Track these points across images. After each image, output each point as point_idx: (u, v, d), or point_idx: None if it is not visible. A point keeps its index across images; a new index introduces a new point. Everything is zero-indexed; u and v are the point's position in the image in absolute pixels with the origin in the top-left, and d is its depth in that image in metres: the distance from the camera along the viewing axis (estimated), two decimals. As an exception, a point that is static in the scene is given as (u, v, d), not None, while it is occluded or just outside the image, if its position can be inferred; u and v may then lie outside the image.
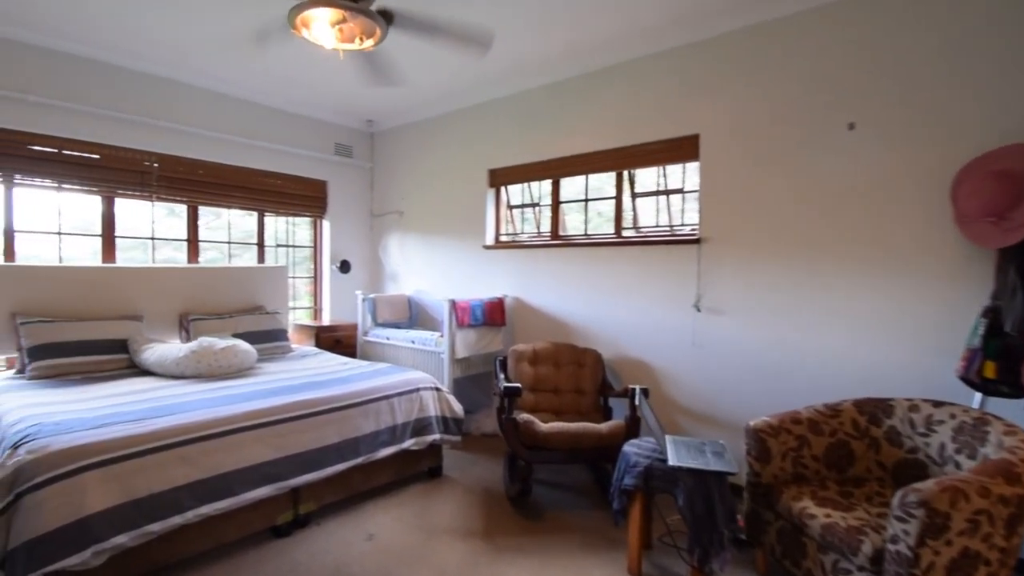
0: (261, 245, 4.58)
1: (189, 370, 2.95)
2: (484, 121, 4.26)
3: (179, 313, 3.72)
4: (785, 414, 2.21)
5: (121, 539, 1.85)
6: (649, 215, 3.54)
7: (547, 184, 3.99)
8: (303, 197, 4.74)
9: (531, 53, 3.43)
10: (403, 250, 4.95)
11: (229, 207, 4.32)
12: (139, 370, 3.09)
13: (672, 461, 2.03)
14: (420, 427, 2.94)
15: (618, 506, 2.21)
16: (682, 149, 3.21)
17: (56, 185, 3.43)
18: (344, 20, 2.15)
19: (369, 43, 2.32)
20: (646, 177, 3.56)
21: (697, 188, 3.16)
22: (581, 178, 3.80)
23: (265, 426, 2.30)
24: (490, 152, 4.21)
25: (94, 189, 3.60)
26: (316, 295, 5.01)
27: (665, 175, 3.44)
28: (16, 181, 3.28)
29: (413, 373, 3.17)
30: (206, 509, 2.07)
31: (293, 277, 4.86)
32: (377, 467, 2.78)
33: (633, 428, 2.73)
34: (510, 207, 4.27)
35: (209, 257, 4.31)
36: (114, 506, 1.85)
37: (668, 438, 2.25)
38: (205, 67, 3.75)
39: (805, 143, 2.73)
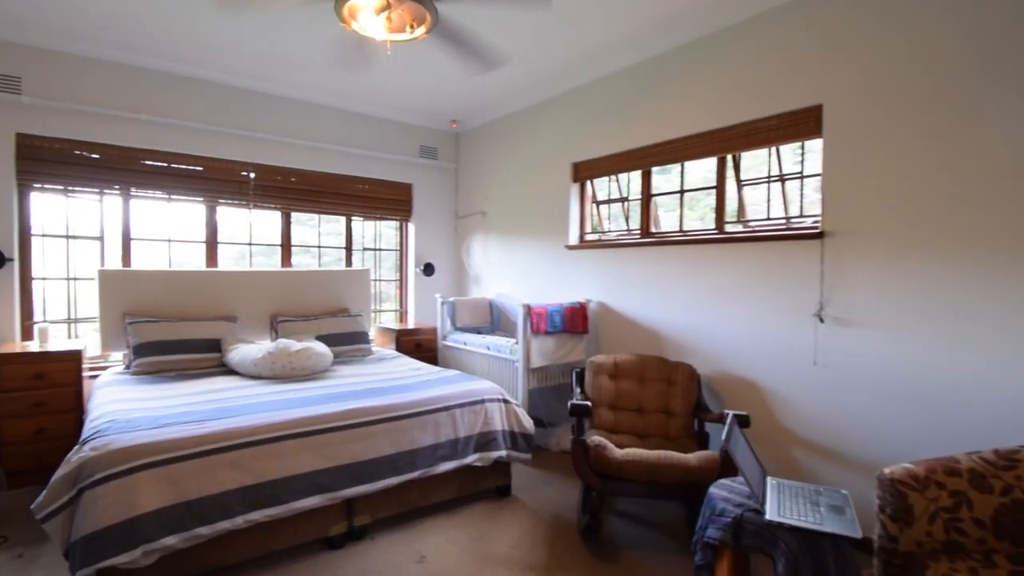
0: (349, 249, 4.76)
1: (265, 371, 3.08)
2: (567, 112, 4.03)
3: (270, 315, 3.95)
4: (936, 461, 1.70)
5: (171, 540, 1.90)
6: (758, 207, 3.06)
7: (636, 176, 3.65)
8: (389, 200, 4.86)
9: (614, 31, 3.13)
10: (486, 252, 4.87)
11: (319, 212, 4.54)
12: (226, 369, 3.30)
13: (770, 515, 1.64)
14: (484, 442, 2.78)
15: (700, 560, 1.85)
16: (799, 124, 2.71)
17: (166, 196, 3.82)
18: (390, 6, 2.06)
19: (421, 31, 2.22)
20: (754, 162, 3.08)
21: (819, 172, 2.65)
22: (676, 167, 3.41)
23: (312, 435, 2.28)
24: (573, 144, 3.96)
25: (199, 199, 3.96)
26: (402, 298, 5.11)
27: (779, 157, 2.95)
28: (132, 194, 3.69)
29: (479, 383, 3.02)
30: (255, 515, 2.08)
31: (378, 280, 5.00)
32: (436, 482, 2.67)
33: (730, 462, 2.32)
34: (596, 203, 3.98)
35: (303, 261, 4.57)
36: (165, 507, 1.91)
37: (772, 482, 1.85)
38: (297, 79, 3.95)
39: (968, 110, 2.14)
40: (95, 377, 3.22)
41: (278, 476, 2.16)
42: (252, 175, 4.12)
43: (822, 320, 2.58)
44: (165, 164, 3.77)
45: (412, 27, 2.18)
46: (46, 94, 3.27)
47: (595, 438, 2.47)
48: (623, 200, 3.78)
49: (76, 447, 1.98)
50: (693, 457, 2.34)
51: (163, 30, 3.19)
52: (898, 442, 2.32)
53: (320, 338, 3.79)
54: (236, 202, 4.09)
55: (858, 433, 2.46)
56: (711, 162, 3.19)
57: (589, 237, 3.98)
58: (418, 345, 4.46)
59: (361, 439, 2.40)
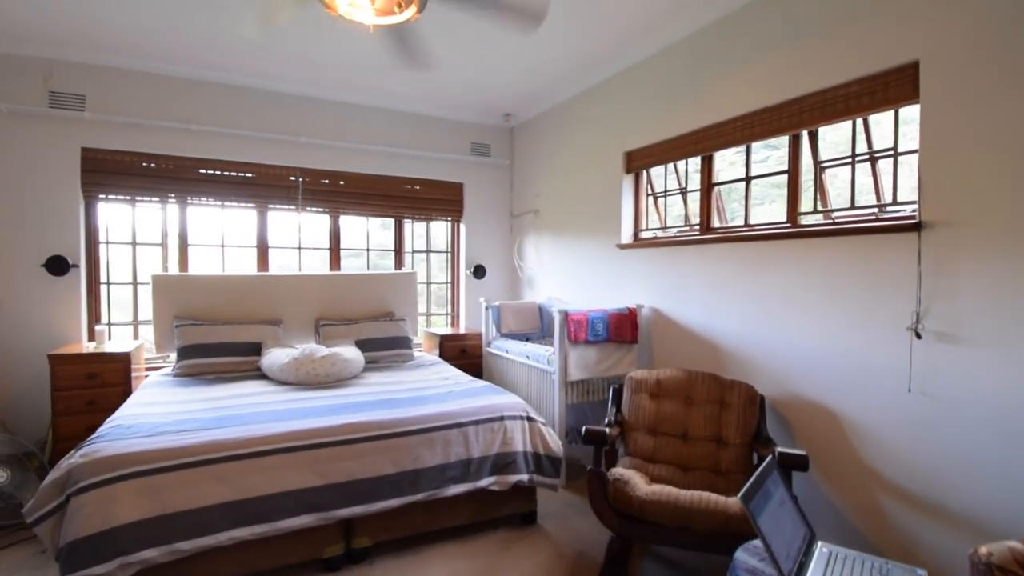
0: (399, 251, 4.75)
1: (290, 377, 3.08)
2: (618, 96, 3.68)
3: (315, 318, 4.01)
4: (1065, 544, 1.22)
5: (150, 554, 1.89)
6: (840, 194, 2.54)
7: (696, 163, 3.22)
8: (439, 201, 4.78)
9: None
10: (538, 253, 4.63)
11: (368, 215, 4.57)
12: (261, 373, 3.36)
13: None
14: (502, 464, 2.55)
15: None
16: (890, 88, 2.19)
17: (220, 203, 4.01)
18: (371, -17, 1.91)
19: (410, 12, 2.05)
20: (834, 138, 2.56)
21: (915, 147, 2.12)
22: (739, 151, 2.95)
23: (301, 450, 2.19)
24: (625, 131, 3.60)
25: (250, 204, 4.12)
26: (453, 301, 5.01)
27: (868, 132, 2.42)
28: (189, 201, 3.91)
29: (501, 397, 2.80)
30: (239, 532, 2.02)
31: (429, 283, 4.94)
32: (446, 506, 2.48)
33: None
34: (654, 195, 3.59)
35: (354, 264, 4.62)
36: (144, 519, 1.90)
37: (821, 550, 1.44)
38: (343, 81, 3.97)
39: None
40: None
41: (264, 492, 2.08)
42: (301, 179, 4.21)
43: (919, 335, 2.05)
44: (218, 172, 3.96)
45: (400, 7, 2.02)
46: (107, 109, 3.53)
47: (618, 470, 2.14)
48: (681, 192, 3.36)
49: (71, 452, 2.04)
50: (736, 502, 1.94)
51: (212, 43, 3.32)
52: (1018, 497, 1.76)
53: (359, 343, 3.78)
54: (286, 206, 4.21)
55: (964, 481, 1.92)
56: (782, 141, 2.71)
57: (645, 234, 3.60)
58: (463, 351, 4.32)
59: (357, 456, 2.27)
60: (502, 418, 2.62)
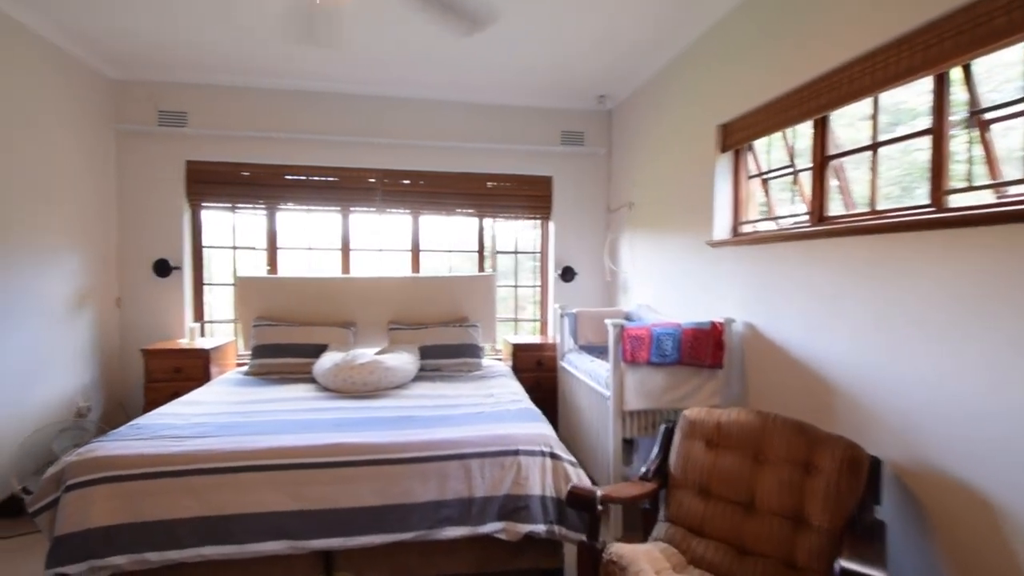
0: (481, 252, 4.54)
1: (331, 383, 3.04)
2: (709, 55, 3.00)
3: (388, 322, 3.99)
4: None
5: (119, 560, 1.90)
6: (1010, 162, 1.66)
7: (806, 130, 2.45)
8: (525, 197, 4.46)
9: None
10: (632, 253, 4.05)
11: (449, 214, 4.44)
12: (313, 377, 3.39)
13: None
14: (512, 508, 2.15)
15: None
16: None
17: (306, 207, 4.21)
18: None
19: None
20: (1000, 76, 1.68)
21: None
22: (863, 107, 2.14)
23: (276, 469, 2.05)
24: (719, 99, 2.91)
25: (335, 208, 4.25)
26: (543, 307, 4.65)
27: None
28: (279, 207, 4.16)
29: (521, 426, 2.39)
30: (207, 551, 1.95)
31: (515, 286, 4.65)
32: (443, 550, 2.16)
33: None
34: (761, 176, 2.84)
35: (437, 266, 4.54)
36: (115, 525, 1.92)
37: None
38: (419, 77, 3.89)
39: None
40: (232, 373, 3.70)
41: (235, 511, 1.99)
42: (381, 180, 4.23)
43: None
44: (304, 177, 4.15)
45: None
46: (206, 124, 3.90)
47: (617, 548, 1.62)
48: (789, 171, 2.59)
49: (72, 449, 2.17)
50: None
51: (295, 54, 3.48)
52: None
53: (423, 349, 3.65)
54: (367, 208, 4.27)
55: None
56: (924, 84, 1.88)
57: (746, 228, 2.87)
58: (539, 363, 3.95)
59: (338, 482, 2.07)
60: (516, 452, 2.22)
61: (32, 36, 3.06)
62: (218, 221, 4.18)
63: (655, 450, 2.13)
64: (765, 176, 2.79)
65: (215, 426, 2.36)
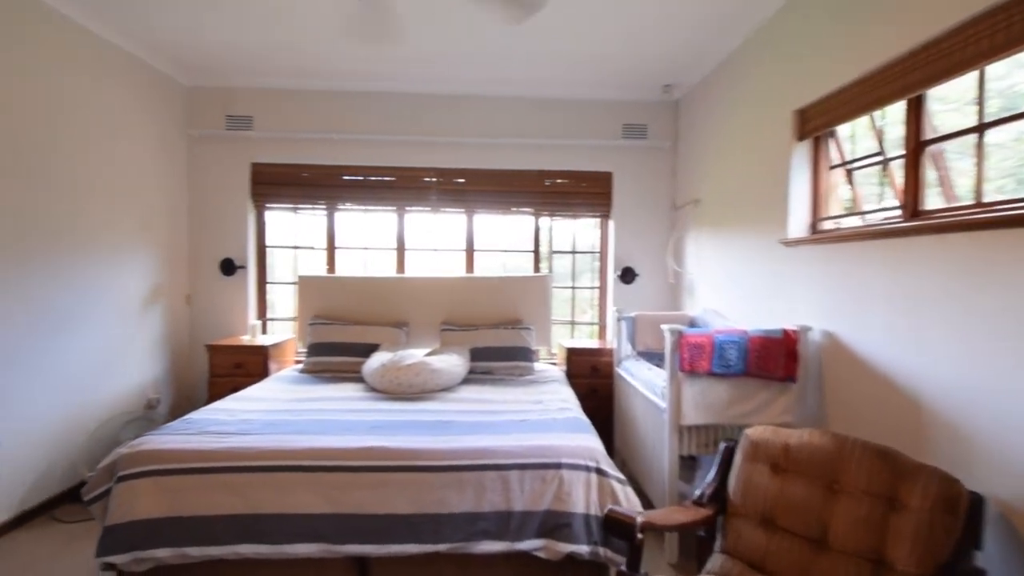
0: (537, 252, 4.43)
1: (378, 384, 3.04)
2: (785, 32, 2.74)
3: (440, 322, 3.97)
4: None
5: (160, 553, 1.95)
6: None
7: (897, 113, 2.16)
8: (584, 195, 4.31)
9: None
10: (699, 253, 3.80)
11: (504, 213, 4.37)
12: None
13: None
14: (553, 525, 2.03)
15: None
16: None
17: (363, 207, 4.28)
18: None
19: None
20: None
21: None
22: (968, 90, 1.85)
23: (311, 470, 2.04)
24: (796, 79, 2.65)
25: (390, 208, 4.30)
26: (601, 310, 4.48)
27: None
28: (337, 208, 4.26)
29: (565, 437, 2.25)
30: (243, 549, 1.97)
31: (573, 288, 4.50)
32: (480, 564, 2.07)
33: None
34: (844, 166, 2.55)
35: (492, 265, 4.48)
36: (159, 518, 1.97)
37: None
38: (472, 74, 3.85)
39: None
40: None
41: (271, 511, 2.00)
42: (436, 179, 4.23)
43: None
44: (361, 177, 4.22)
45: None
46: (270, 127, 4.05)
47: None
48: (879, 158, 2.29)
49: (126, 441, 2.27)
50: None
51: (353, 55, 3.56)
52: None
53: (474, 351, 3.60)
54: (422, 208, 4.28)
55: None
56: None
57: (828, 224, 2.59)
58: (594, 369, 3.79)
59: (371, 487, 2.03)
60: (558, 465, 2.09)
61: (114, 48, 3.29)
62: (281, 221, 4.33)
63: (712, 472, 1.94)
64: (849, 165, 2.50)
65: (260, 423, 2.40)
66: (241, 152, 4.08)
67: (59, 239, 2.91)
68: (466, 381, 3.33)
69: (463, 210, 4.32)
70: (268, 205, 4.21)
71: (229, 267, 4.05)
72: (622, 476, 2.15)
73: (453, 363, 3.24)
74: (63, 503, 2.89)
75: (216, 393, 3.51)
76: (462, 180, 4.25)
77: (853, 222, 2.43)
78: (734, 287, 3.25)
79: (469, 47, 3.43)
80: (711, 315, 3.40)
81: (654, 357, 3.37)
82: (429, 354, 3.42)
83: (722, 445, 2.00)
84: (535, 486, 2.07)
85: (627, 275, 4.25)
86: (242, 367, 3.62)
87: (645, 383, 2.90)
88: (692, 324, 3.49)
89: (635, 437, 3.13)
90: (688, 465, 2.90)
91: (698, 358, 2.40)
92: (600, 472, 2.11)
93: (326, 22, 3.08)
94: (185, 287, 4.06)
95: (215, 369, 3.63)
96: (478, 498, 2.05)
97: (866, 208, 2.39)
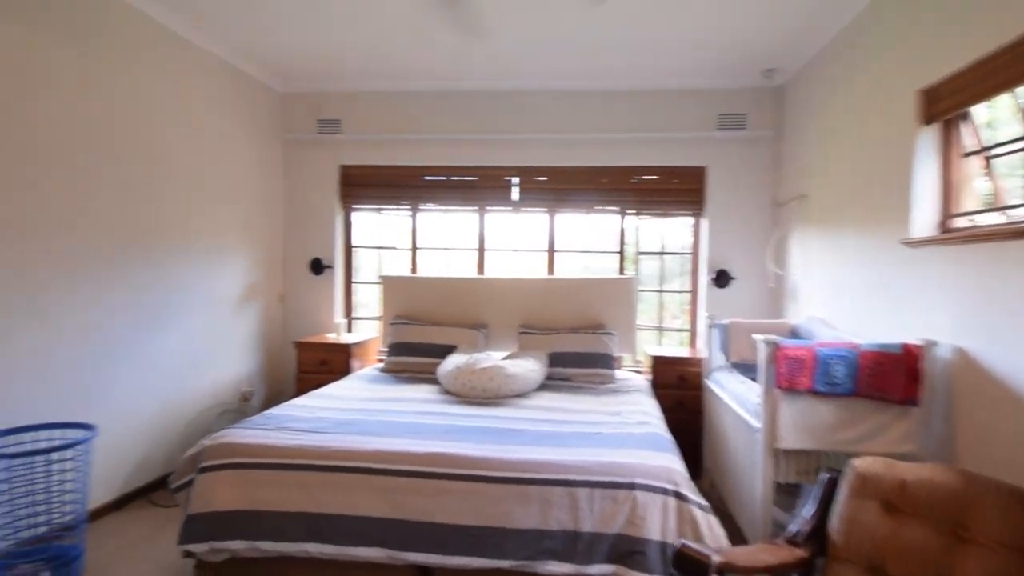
0: (622, 253, 4.26)
1: (451, 387, 3.04)
2: (906, 2, 2.40)
3: (518, 325, 3.93)
4: None
5: (235, 545, 2.05)
6: None
7: (1060, 85, 1.80)
8: (674, 192, 4.09)
9: None
10: (804, 254, 3.45)
11: (588, 212, 4.25)
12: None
13: None
14: (625, 551, 1.90)
15: None
16: None
17: (445, 207, 4.34)
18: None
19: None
20: None
21: None
22: None
23: (376, 473, 2.05)
24: (921, 53, 2.31)
25: (472, 207, 4.32)
26: (692, 315, 4.22)
27: None
28: (419, 208, 4.35)
29: (638, 454, 2.11)
30: (310, 547, 2.01)
31: (661, 291, 4.28)
32: (546, 585, 1.99)
33: None
34: (984, 152, 2.19)
35: (572, 266, 4.38)
36: (234, 510, 2.07)
37: None
38: (554, 65, 3.77)
39: None
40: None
41: (337, 511, 2.03)
42: (517, 178, 4.20)
43: None
44: (444, 177, 4.28)
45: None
46: (357, 129, 4.23)
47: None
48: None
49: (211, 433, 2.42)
50: None
51: (438, 54, 3.62)
52: None
53: (553, 356, 3.52)
54: (503, 207, 4.27)
55: None
56: None
57: (961, 222, 2.23)
58: (681, 379, 3.58)
59: (434, 494, 2.01)
60: (632, 486, 1.96)
61: (216, 59, 3.57)
62: (367, 222, 4.50)
63: (809, 506, 1.72)
64: (988, 153, 2.13)
65: (333, 422, 2.47)
66: (330, 154, 4.28)
67: (162, 239, 3.19)
68: (542, 387, 3.26)
69: (545, 209, 4.25)
70: (355, 206, 4.39)
71: (318, 267, 4.27)
72: (705, 503, 1.97)
73: (529, 368, 3.18)
74: (160, 488, 3.16)
75: (302, 388, 3.69)
76: (544, 178, 4.19)
77: (993, 219, 2.07)
78: (845, 293, 2.91)
79: (556, 38, 3.33)
80: (816, 324, 3.08)
81: (749, 369, 3.09)
82: (506, 358, 3.39)
83: (823, 476, 1.77)
84: (605, 506, 1.95)
85: (721, 278, 3.96)
86: (326, 364, 3.80)
87: (737, 398, 2.67)
88: (794, 334, 3.18)
89: (726, 457, 2.90)
90: (788, 491, 2.63)
91: (797, 373, 2.16)
92: (680, 496, 1.95)
93: (411, 20, 3.13)
94: (279, 286, 4.33)
95: (302, 365, 3.83)
96: (544, 514, 1.97)
97: (1010, 203, 2.03)
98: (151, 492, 3.13)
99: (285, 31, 3.34)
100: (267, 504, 2.08)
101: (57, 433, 2.41)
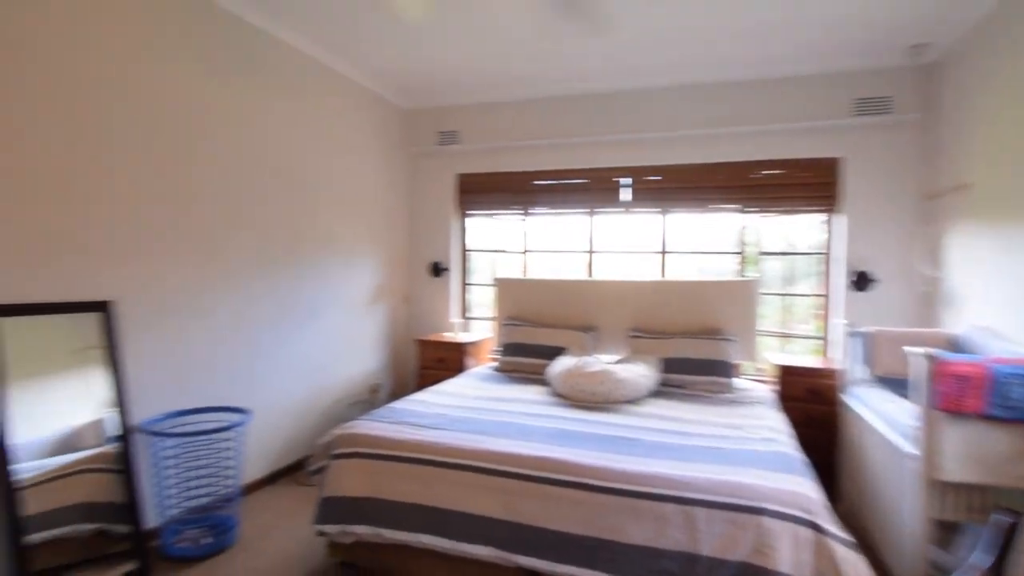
0: (743, 254, 3.89)
1: (561, 389, 2.95)
2: None
3: (628, 328, 3.74)
4: None
5: (360, 529, 2.12)
6: None
7: None
8: (803, 187, 3.65)
9: None
10: (967, 254, 2.91)
11: (704, 211, 3.94)
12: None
13: None
14: (747, 582, 1.69)
15: None
16: None
17: (554, 211, 4.26)
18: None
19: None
20: None
21: None
22: None
23: (489, 473, 2.00)
24: None
25: (583, 210, 4.20)
26: (825, 322, 3.74)
27: None
28: (530, 212, 4.31)
29: (765, 475, 1.85)
30: (425, 539, 2.03)
31: (786, 295, 3.85)
32: (659, 607, 1.82)
33: None
34: None
35: (687, 268, 4.09)
36: (361, 496, 2.14)
37: None
38: (669, 56, 3.52)
39: None
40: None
41: (450, 507, 2.03)
42: (629, 179, 4.00)
43: None
44: (553, 181, 4.20)
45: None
46: (472, 139, 4.28)
47: None
48: None
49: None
50: None
51: (546, 64, 3.61)
52: None
53: (666, 362, 3.30)
54: (614, 209, 4.10)
55: None
56: None
57: None
58: (811, 392, 3.18)
59: (543, 499, 1.92)
60: (759, 511, 1.73)
61: (347, 81, 3.79)
62: (480, 226, 4.56)
63: (981, 553, 1.40)
64: None
65: (450, 419, 2.48)
66: (448, 164, 4.39)
67: (306, 248, 3.44)
68: (654, 394, 3.05)
69: (657, 209, 4.01)
70: (469, 212, 4.46)
71: (437, 269, 4.39)
72: (849, 537, 1.69)
73: (640, 373, 2.99)
74: (301, 468, 3.39)
75: (422, 383, 3.82)
76: (658, 177, 3.95)
77: None
78: (1022, 299, 2.40)
79: (678, 26, 3.08)
80: (983, 335, 2.57)
81: (899, 385, 2.66)
82: (615, 362, 3.23)
83: (999, 517, 1.44)
84: (727, 530, 1.74)
85: (862, 281, 3.47)
86: (443, 361, 3.88)
87: (884, 417, 2.30)
88: (954, 346, 2.68)
89: (868, 483, 2.51)
90: (947, 528, 2.22)
91: (965, 394, 1.79)
92: (816, 528, 1.69)
93: (530, 33, 3.11)
94: (403, 287, 4.52)
95: (422, 362, 3.96)
96: (658, 532, 1.80)
97: None
98: (295, 472, 3.36)
99: (413, 54, 3.49)
100: (388, 493, 2.13)
101: (220, 416, 2.67)
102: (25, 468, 2.03)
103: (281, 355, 3.28)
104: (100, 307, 2.27)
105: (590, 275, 4.23)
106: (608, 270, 4.23)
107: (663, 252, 4.07)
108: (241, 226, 2.97)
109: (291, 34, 3.20)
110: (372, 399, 3.91)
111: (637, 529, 1.82)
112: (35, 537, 2.04)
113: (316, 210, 3.53)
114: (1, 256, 1.99)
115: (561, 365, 3.09)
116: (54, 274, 2.15)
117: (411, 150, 4.45)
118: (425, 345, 3.97)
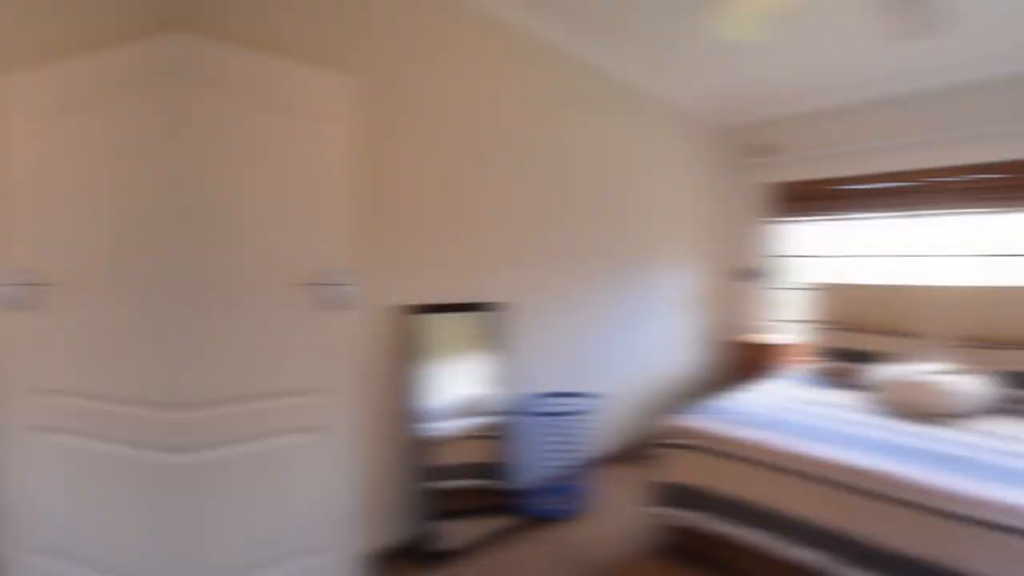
0: None
1: (885, 397, 2.82)
2: None
3: (959, 337, 3.27)
4: None
5: (686, 515, 2.41)
6: None
7: None
8: None
9: None
10: None
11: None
12: (863, 386, 3.14)
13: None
14: None
15: None
16: None
17: (869, 216, 4.06)
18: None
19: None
20: None
21: None
22: None
23: (812, 479, 2.11)
24: None
25: (902, 214, 3.90)
26: None
27: None
28: (845, 216, 4.18)
29: None
30: (753, 535, 2.22)
31: None
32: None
33: None
34: None
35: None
36: (689, 485, 2.44)
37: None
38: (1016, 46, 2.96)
39: None
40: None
41: (773, 506, 2.19)
42: (955, 178, 3.52)
43: None
44: (868, 185, 3.97)
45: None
46: (781, 150, 4.36)
47: None
48: None
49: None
50: None
51: (866, 67, 3.48)
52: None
53: (1006, 376, 2.86)
54: (938, 211, 3.73)
55: None
56: None
57: None
58: None
59: (879, 513, 1.96)
60: None
61: (667, 104, 4.14)
62: (791, 232, 4.54)
63: None
64: None
65: (775, 420, 2.59)
66: (755, 175, 4.53)
67: (641, 256, 3.94)
68: (990, 411, 2.71)
69: (994, 209, 3.41)
70: (779, 219, 4.51)
71: (746, 274, 4.60)
72: None
73: (971, 387, 2.69)
74: (637, 451, 3.66)
75: (737, 382, 3.86)
76: (998, 175, 3.33)
77: None
78: None
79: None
80: None
81: None
82: (945, 372, 2.94)
83: None
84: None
85: None
86: (756, 362, 4.05)
87: None
88: None
89: None
90: None
91: None
92: None
93: (852, 42, 3.06)
94: (718, 291, 4.79)
95: (737, 362, 4.22)
96: (1009, 568, 1.76)
97: None
98: (637, 453, 3.64)
99: (733, 76, 3.70)
100: (712, 486, 2.37)
101: (576, 401, 3.06)
102: (435, 428, 2.49)
103: (626, 348, 3.80)
104: (495, 307, 2.79)
105: (911, 279, 3.82)
106: (931, 275, 3.77)
107: (997, 255, 3.43)
108: (595, 242, 3.56)
109: (629, 69, 3.61)
110: (695, 392, 4.21)
111: (986, 560, 1.77)
112: (442, 484, 2.47)
113: (648, 224, 4.01)
114: (434, 271, 2.59)
115: (882, 373, 2.97)
116: (465, 283, 2.72)
117: (721, 163, 4.68)
118: (739, 346, 4.21)
